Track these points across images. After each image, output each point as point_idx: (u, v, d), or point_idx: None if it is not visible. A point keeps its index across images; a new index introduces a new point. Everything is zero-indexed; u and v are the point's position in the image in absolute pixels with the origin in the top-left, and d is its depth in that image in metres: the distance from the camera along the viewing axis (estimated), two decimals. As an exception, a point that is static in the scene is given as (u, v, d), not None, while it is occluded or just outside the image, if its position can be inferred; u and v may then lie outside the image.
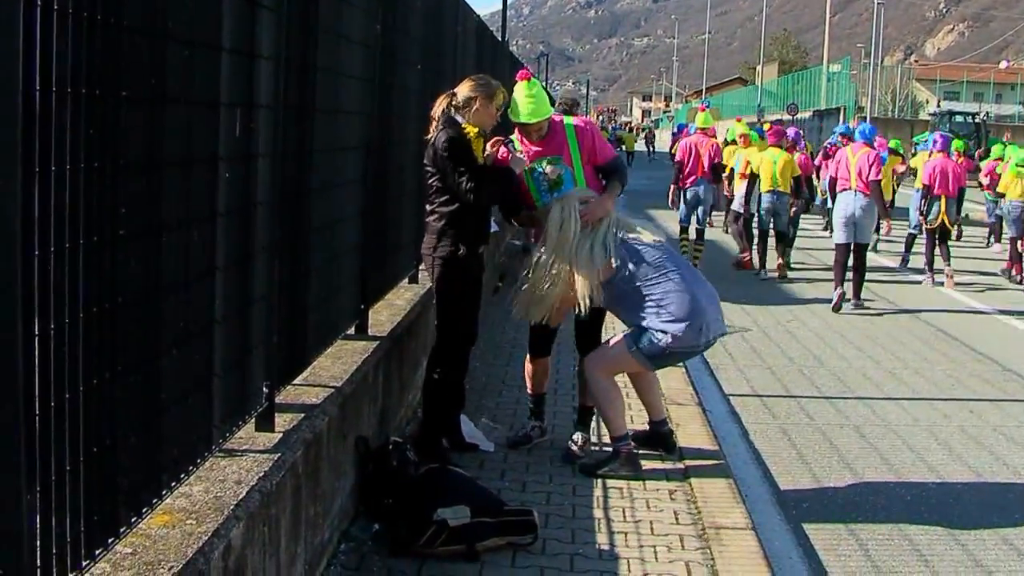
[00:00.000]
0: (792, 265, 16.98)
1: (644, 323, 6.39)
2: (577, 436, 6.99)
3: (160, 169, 3.12)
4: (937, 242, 16.46)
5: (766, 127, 18.77)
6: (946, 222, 16.34)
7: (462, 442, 6.82)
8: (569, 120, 7.06)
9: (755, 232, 17.18)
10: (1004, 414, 8.96)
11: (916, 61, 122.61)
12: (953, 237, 19.31)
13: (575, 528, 5.71)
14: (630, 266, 6.44)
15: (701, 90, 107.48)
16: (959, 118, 46.97)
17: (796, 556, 5.88)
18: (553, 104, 12.07)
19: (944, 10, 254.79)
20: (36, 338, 2.46)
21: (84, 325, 2.69)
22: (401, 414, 7.04)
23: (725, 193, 18.36)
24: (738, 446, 7.75)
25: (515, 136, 7.01)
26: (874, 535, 6.23)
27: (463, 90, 6.46)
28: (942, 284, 16.17)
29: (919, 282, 16.51)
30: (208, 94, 3.55)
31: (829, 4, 71.30)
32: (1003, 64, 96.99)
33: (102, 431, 2.81)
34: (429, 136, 6.43)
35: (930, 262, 16.50)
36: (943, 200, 16.20)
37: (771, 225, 16.29)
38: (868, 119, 50.77)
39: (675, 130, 46.33)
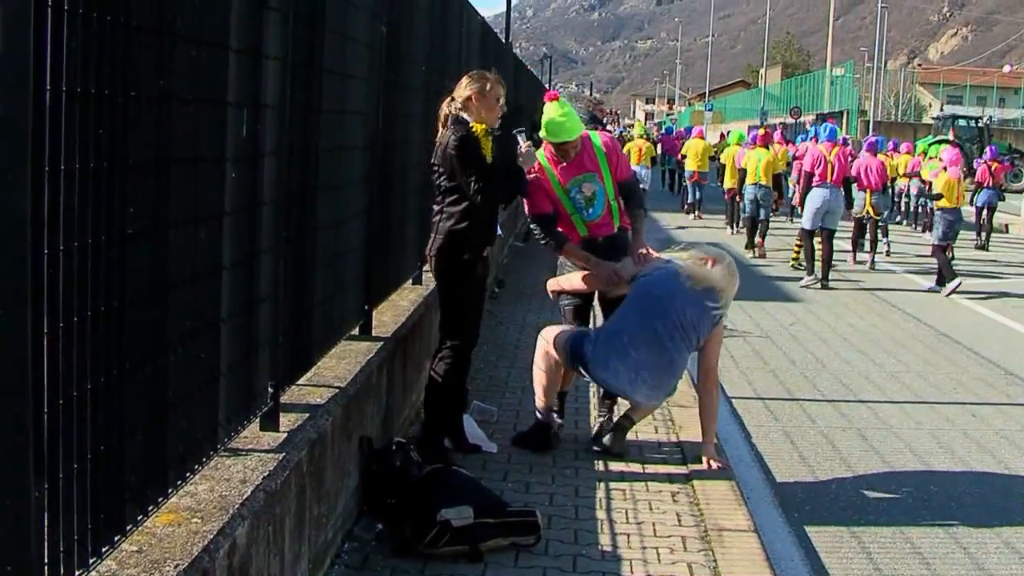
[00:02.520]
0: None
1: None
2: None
3: (168, 168, 3.13)
4: (867, 230, 18.95)
5: (761, 132, 21.26)
6: (871, 212, 18.66)
7: (465, 443, 6.83)
8: (596, 137, 7.28)
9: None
10: (1006, 418, 8.96)
11: (919, 65, 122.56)
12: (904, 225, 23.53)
13: (578, 529, 5.72)
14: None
15: (704, 93, 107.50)
16: (963, 122, 47.00)
17: (798, 558, 5.88)
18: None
19: (947, 14, 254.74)
20: (45, 335, 2.47)
21: (92, 323, 2.70)
22: (404, 415, 7.05)
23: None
24: (740, 448, 7.75)
25: (543, 154, 7.15)
26: (876, 537, 6.23)
27: (460, 91, 6.45)
28: (864, 263, 18.68)
29: (870, 268, 18.58)
30: (215, 93, 3.57)
31: (832, 8, 71.30)
32: (1006, 68, 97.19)
33: (109, 429, 2.83)
34: (437, 138, 6.44)
35: (855, 245, 19.12)
36: (868, 193, 18.49)
37: (757, 213, 19.24)
38: (871, 123, 50.91)
39: (663, 132, 47.21)
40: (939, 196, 16.54)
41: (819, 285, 15.70)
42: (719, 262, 6.80)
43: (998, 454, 7.91)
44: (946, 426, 8.62)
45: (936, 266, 16.54)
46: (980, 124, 46.78)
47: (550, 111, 6.98)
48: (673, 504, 6.17)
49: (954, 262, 18.14)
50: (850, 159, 17.13)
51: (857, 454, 7.77)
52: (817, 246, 16.07)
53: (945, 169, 17.02)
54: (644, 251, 7.07)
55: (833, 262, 16.34)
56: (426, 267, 7.47)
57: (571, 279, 7.22)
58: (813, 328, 12.76)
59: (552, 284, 7.46)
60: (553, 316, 8.31)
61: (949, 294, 15.49)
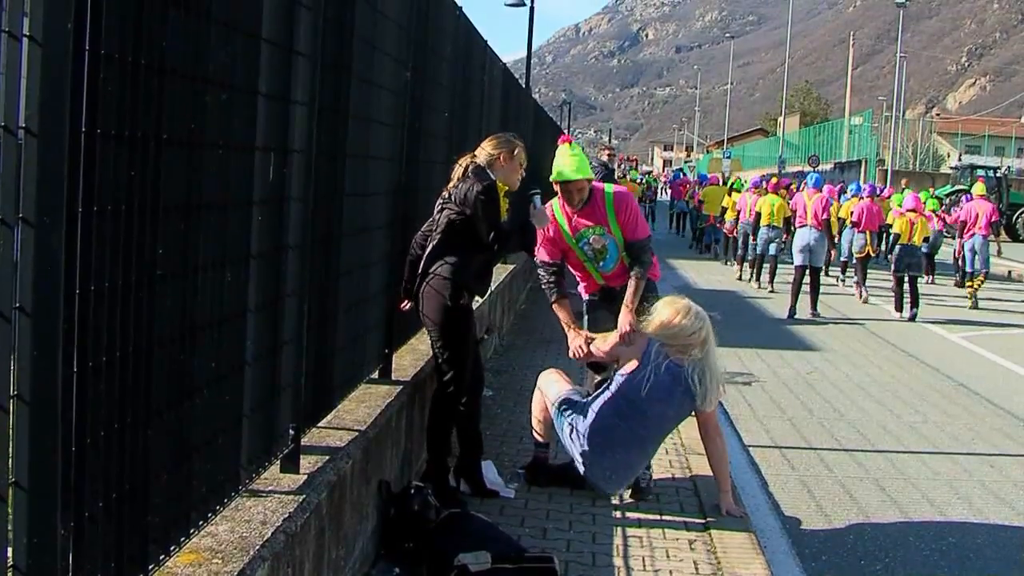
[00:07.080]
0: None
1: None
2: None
3: (197, 211, 3.18)
4: (867, 267, 21.41)
5: (774, 180, 24.38)
6: (871, 251, 21.42)
7: (483, 488, 6.82)
8: (609, 189, 7.33)
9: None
10: (1025, 470, 8.92)
11: (938, 114, 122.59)
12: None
13: (595, 576, 5.71)
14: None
15: (722, 140, 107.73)
16: (980, 172, 46.94)
17: (816, 608, 5.87)
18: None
19: (966, 64, 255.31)
20: (74, 375, 2.51)
21: (120, 363, 2.73)
22: (423, 458, 7.04)
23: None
24: (757, 497, 7.73)
25: (557, 203, 7.25)
26: (894, 589, 6.21)
27: (485, 150, 6.49)
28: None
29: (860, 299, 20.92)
30: (244, 137, 3.61)
31: (851, 57, 71.53)
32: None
33: (135, 469, 2.85)
34: (452, 187, 6.40)
35: (862, 280, 21.28)
36: (868, 234, 21.24)
37: (769, 251, 21.51)
38: (889, 172, 50.95)
39: (671, 178, 48.70)
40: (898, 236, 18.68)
41: (809, 315, 17.59)
42: (686, 317, 6.75)
43: (1016, 505, 7.87)
44: (964, 477, 8.59)
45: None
46: (998, 174, 46.71)
47: (560, 152, 7.14)
48: (690, 552, 6.15)
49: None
50: (828, 205, 18.68)
51: (875, 504, 7.74)
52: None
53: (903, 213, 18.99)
54: (628, 329, 7.05)
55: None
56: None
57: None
58: (831, 377, 12.73)
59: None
60: (569, 363, 8.31)
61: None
